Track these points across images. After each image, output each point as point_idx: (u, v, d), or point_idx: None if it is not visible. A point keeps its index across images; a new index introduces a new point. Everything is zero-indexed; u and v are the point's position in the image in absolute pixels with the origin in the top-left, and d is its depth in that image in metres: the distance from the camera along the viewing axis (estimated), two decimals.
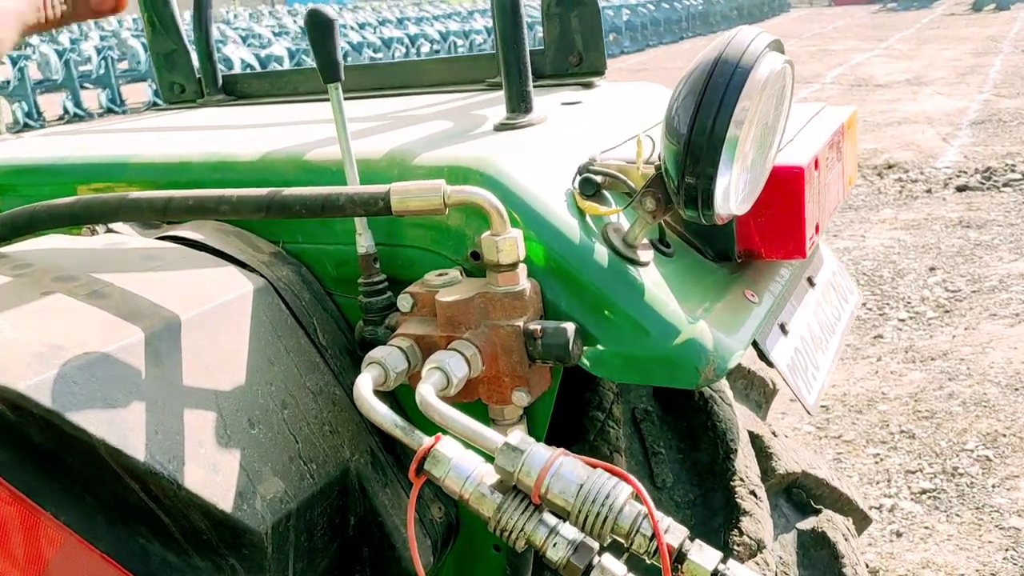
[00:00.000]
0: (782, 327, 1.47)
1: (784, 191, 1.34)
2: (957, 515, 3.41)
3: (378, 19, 21.23)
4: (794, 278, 1.57)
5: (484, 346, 1.26)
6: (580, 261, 1.30)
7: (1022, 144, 8.95)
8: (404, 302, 1.33)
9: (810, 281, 1.68)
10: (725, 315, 1.33)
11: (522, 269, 1.27)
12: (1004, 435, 3.87)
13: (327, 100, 1.38)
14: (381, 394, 1.22)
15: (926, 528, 3.37)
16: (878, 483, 3.66)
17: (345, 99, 1.37)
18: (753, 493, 1.65)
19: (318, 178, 1.46)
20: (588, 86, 1.91)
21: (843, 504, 1.91)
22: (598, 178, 1.37)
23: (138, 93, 18.03)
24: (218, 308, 1.28)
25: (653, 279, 1.32)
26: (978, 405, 4.14)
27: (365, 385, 1.19)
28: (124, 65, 18.17)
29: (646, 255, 1.34)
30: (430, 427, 1.16)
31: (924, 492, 3.57)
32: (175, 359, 1.20)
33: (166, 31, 2.30)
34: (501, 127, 1.54)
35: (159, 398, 1.16)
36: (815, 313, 1.61)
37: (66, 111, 16.56)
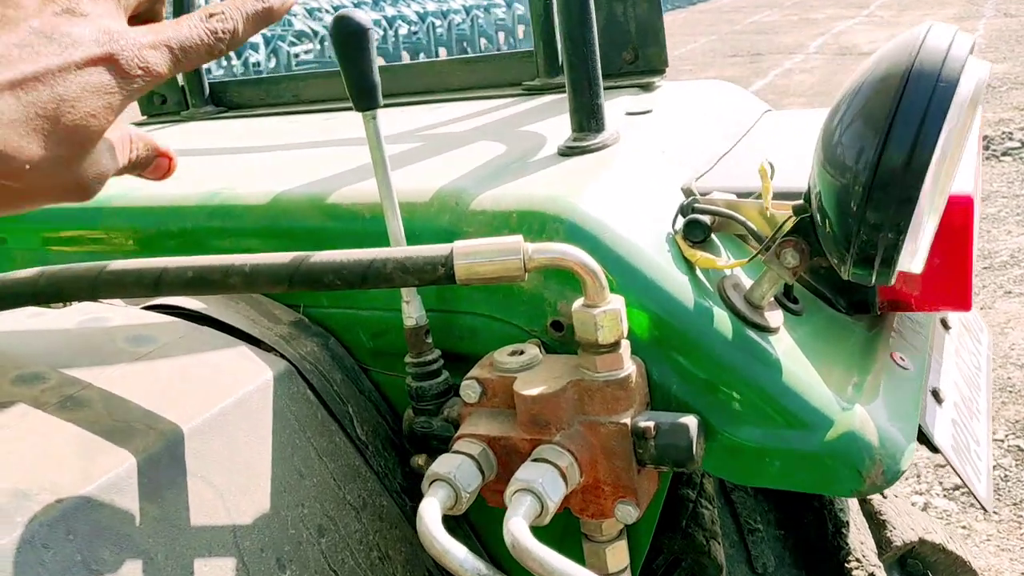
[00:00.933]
0: (935, 394, 1.16)
1: (948, 227, 1.02)
2: (994, 512, 3.17)
3: (353, 1, 20.65)
4: (929, 323, 1.27)
5: (580, 450, 0.96)
6: (696, 330, 1.00)
7: (1015, 110, 8.71)
8: (470, 392, 1.01)
9: (944, 324, 1.38)
10: (878, 392, 1.03)
11: (625, 348, 0.96)
12: None
13: (335, 110, 1.07)
14: (448, 520, 0.93)
15: (963, 528, 3.14)
16: (907, 479, 3.42)
17: None
18: None
19: (347, 225, 1.15)
20: (647, 88, 1.60)
21: (958, 568, 1.64)
22: (706, 218, 1.07)
23: None
24: (230, 409, 0.98)
25: (786, 348, 1.02)
26: (1003, 391, 3.88)
27: (432, 515, 0.89)
28: None
29: (775, 318, 1.03)
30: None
31: (957, 488, 3.32)
32: (179, 490, 0.90)
33: None
34: (568, 151, 1.21)
35: (160, 549, 0.86)
36: (957, 366, 1.30)
37: None
